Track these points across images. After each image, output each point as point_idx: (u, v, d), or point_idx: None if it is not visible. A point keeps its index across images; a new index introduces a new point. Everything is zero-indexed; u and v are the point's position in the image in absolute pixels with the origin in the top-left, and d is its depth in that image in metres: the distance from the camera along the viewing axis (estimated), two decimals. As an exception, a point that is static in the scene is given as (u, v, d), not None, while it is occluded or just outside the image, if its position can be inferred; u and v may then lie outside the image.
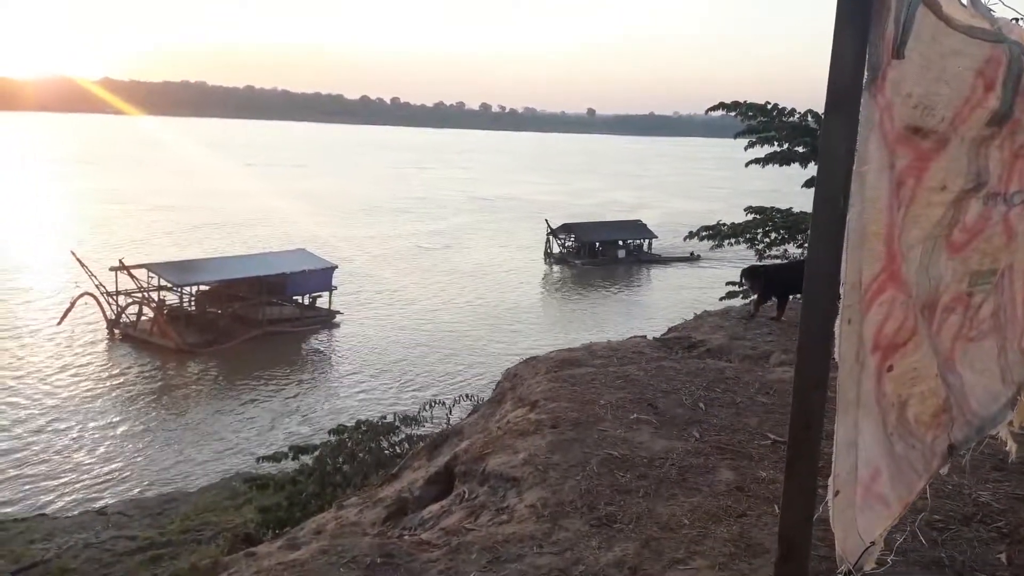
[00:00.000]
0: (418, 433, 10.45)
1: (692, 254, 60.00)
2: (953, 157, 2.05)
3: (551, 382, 5.21)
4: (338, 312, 39.05)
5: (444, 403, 10.64)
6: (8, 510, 18.51)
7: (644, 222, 62.07)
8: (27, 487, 20.88)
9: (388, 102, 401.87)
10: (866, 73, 1.72)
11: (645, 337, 6.70)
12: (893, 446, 2.14)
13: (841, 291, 1.83)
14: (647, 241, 60.04)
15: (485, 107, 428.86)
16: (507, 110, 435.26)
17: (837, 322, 1.85)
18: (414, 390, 28.74)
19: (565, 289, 49.80)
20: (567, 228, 58.33)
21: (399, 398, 27.41)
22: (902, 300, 2.03)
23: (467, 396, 10.89)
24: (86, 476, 21.80)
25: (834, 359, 1.86)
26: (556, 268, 55.49)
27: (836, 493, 1.98)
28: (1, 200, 72.51)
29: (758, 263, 7.47)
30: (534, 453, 3.98)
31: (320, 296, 39.13)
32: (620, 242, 59.06)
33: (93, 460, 22.86)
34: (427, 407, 10.60)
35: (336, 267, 39.91)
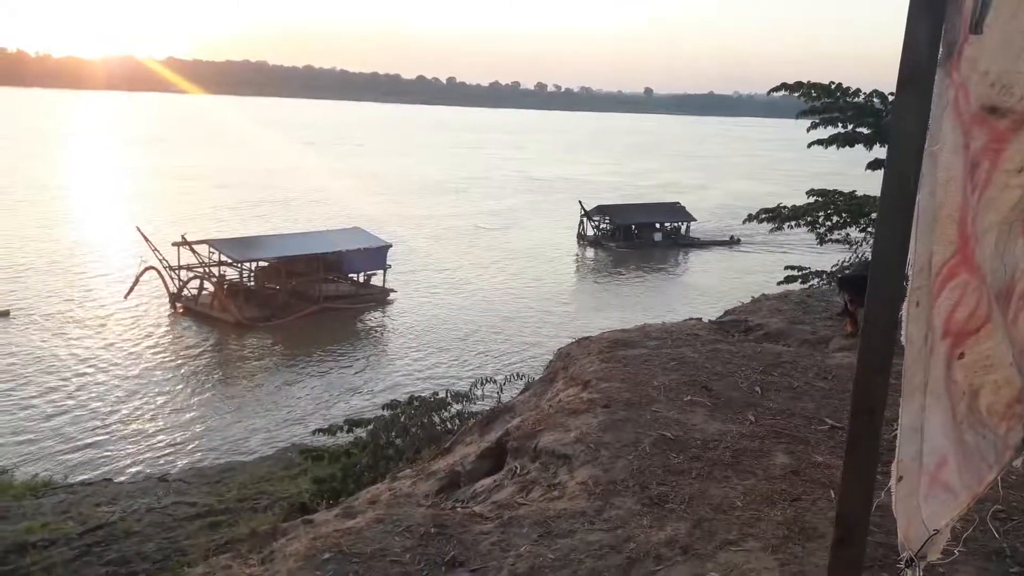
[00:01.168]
0: (469, 410, 10.55)
1: (732, 238, 58.09)
2: (1032, 139, 1.98)
3: (603, 362, 5.21)
4: (392, 290, 39.54)
5: (495, 381, 10.72)
6: (77, 473, 19.33)
7: (683, 204, 60.21)
8: (93, 453, 21.75)
9: (444, 82, 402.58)
10: (941, 49, 1.68)
11: (700, 319, 6.64)
12: (963, 435, 2.09)
13: (909, 273, 1.79)
14: (685, 224, 58.32)
15: (540, 87, 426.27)
16: (563, 89, 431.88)
17: (904, 305, 1.81)
18: (466, 368, 29.00)
19: (599, 273, 49.01)
20: (602, 210, 56.73)
21: (451, 375, 27.67)
22: (975, 285, 1.98)
23: (518, 375, 10.94)
24: (148, 444, 22.59)
25: (900, 343, 1.82)
26: (590, 251, 54.32)
27: (899, 479, 1.95)
28: (74, 177, 75.14)
29: (852, 272, 6.51)
30: (586, 432, 3.99)
31: (375, 274, 39.65)
32: (656, 225, 57.47)
33: (155, 429, 23.67)
34: (478, 384, 10.69)
35: (391, 245, 40.34)
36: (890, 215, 1.69)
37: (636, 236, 55.78)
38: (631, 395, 4.34)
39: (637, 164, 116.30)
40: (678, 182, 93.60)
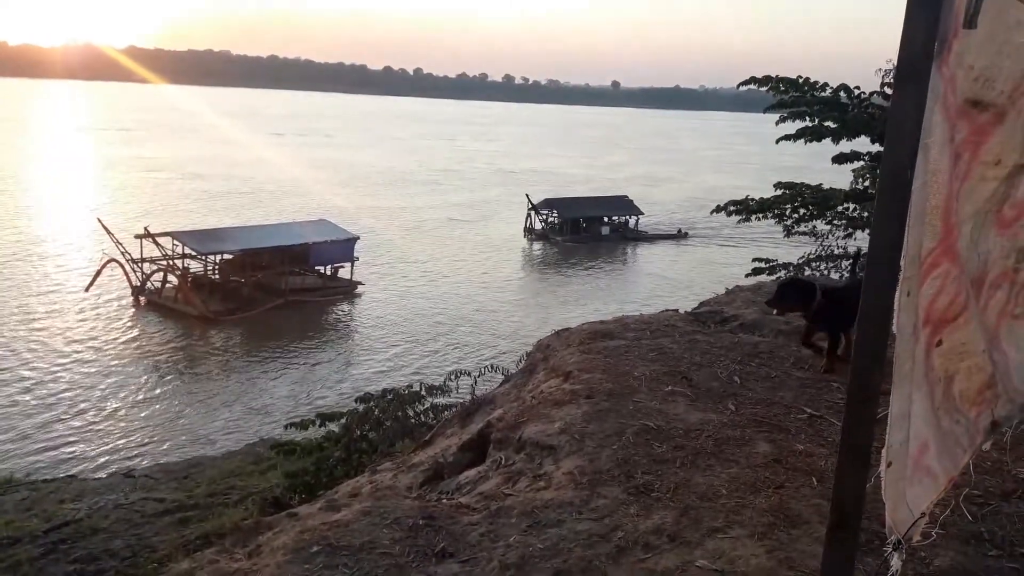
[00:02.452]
0: (443, 402, 10.54)
1: (680, 231, 58.89)
2: (1009, 132, 2.03)
3: (584, 354, 5.24)
4: (359, 283, 39.34)
5: (469, 373, 10.70)
6: (39, 471, 18.95)
7: (631, 198, 60.20)
8: (56, 449, 21.34)
9: (411, 73, 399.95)
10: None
11: (677, 311, 6.70)
12: (940, 420, 2.15)
13: (902, 263, 1.84)
14: (634, 218, 58.42)
15: (508, 79, 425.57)
16: (530, 82, 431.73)
17: (896, 295, 1.86)
18: (438, 361, 28.96)
19: (544, 266, 48.84)
20: (549, 203, 56.56)
21: (423, 368, 27.62)
22: (955, 275, 2.04)
23: (492, 367, 10.93)
24: (112, 440, 22.23)
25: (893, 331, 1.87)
26: (537, 245, 54.09)
27: (888, 464, 2.00)
28: (33, 167, 73.41)
29: (801, 277, 5.18)
30: (570, 422, 4.02)
31: (342, 267, 39.38)
32: (604, 218, 57.43)
33: (119, 424, 23.29)
34: (452, 377, 10.66)
35: (358, 238, 40.07)
36: (887, 207, 1.73)
37: (584, 230, 55.63)
38: (613, 386, 4.38)
39: (607, 157, 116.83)
40: (648, 175, 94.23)
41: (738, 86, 15.74)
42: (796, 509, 3.12)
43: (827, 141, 14.88)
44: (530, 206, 55.12)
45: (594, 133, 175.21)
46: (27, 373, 26.44)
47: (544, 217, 55.85)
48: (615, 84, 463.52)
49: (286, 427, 12.63)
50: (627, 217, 58.43)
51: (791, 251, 17.80)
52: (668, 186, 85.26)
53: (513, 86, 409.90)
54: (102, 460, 20.74)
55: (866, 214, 14.63)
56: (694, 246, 55.11)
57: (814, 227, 15.71)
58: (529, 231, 55.60)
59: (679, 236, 57.90)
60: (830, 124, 14.74)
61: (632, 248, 54.81)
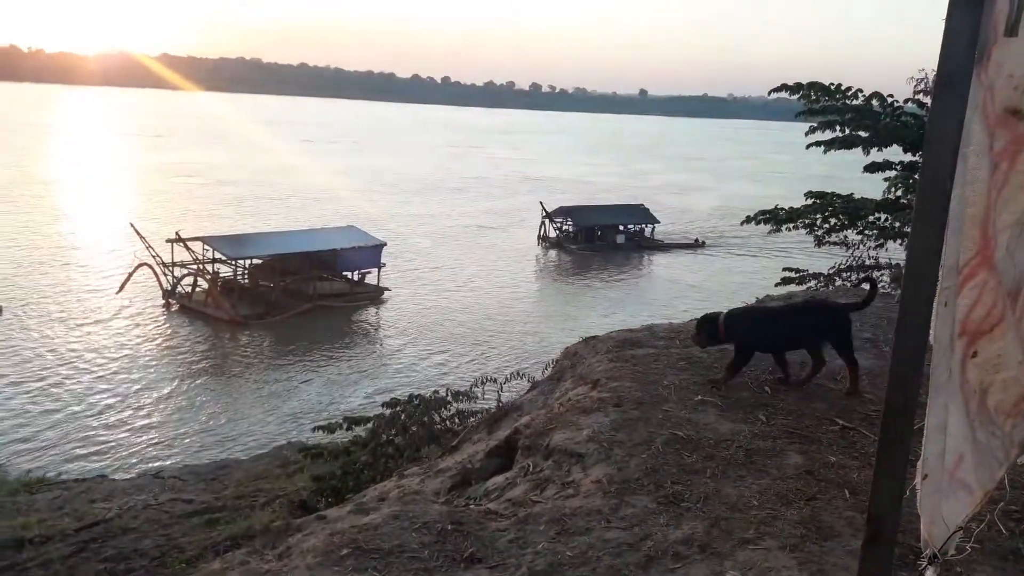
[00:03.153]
0: (470, 408, 10.56)
1: (697, 240, 57.72)
2: (1049, 142, 2.01)
3: (612, 362, 5.23)
4: (386, 288, 39.54)
5: (495, 380, 10.70)
6: (70, 470, 19.26)
7: (653, 205, 59.61)
8: (87, 450, 21.67)
9: (439, 81, 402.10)
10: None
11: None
12: (975, 433, 2.12)
13: (940, 273, 1.82)
14: (650, 227, 57.58)
15: (535, 87, 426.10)
16: (557, 90, 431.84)
17: (934, 305, 1.84)
18: (464, 367, 29.00)
19: (561, 274, 48.29)
20: (564, 211, 55.86)
21: (449, 374, 27.67)
22: (992, 285, 2.01)
23: (518, 373, 10.94)
24: (142, 441, 22.52)
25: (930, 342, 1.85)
26: (552, 254, 53.46)
27: (924, 477, 1.97)
28: (70, 173, 74.89)
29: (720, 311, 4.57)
30: (598, 430, 4.01)
31: (369, 272, 39.63)
32: (620, 227, 56.61)
33: (149, 426, 23.59)
34: (479, 383, 10.67)
35: (385, 244, 40.32)
36: (926, 216, 1.72)
37: (599, 238, 54.90)
38: (642, 394, 4.36)
39: (635, 165, 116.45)
40: (677, 183, 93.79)
41: (769, 93, 15.62)
42: (828, 521, 3.08)
43: (859, 150, 14.72)
44: (544, 214, 54.67)
45: (622, 141, 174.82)
46: (60, 375, 26.91)
47: (559, 225, 55.41)
48: (643, 92, 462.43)
49: (313, 430, 12.72)
50: (643, 225, 57.73)
51: (818, 261, 17.64)
52: (698, 195, 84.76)
53: (540, 94, 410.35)
54: (132, 461, 21.02)
55: (898, 224, 14.43)
56: (711, 255, 54.55)
57: (845, 237, 15.52)
58: (543, 239, 55.11)
59: (696, 245, 57.02)
60: (862, 133, 14.57)
61: (648, 257, 54.10)
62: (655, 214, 64.20)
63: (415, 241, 52.18)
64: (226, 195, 66.59)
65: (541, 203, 55.47)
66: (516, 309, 38.95)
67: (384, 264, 39.75)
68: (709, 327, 4.82)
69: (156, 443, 22.42)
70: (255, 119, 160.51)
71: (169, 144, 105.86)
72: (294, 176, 78.82)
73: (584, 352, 5.64)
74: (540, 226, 55.13)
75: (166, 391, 26.30)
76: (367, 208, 60.50)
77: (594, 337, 5.99)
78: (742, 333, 4.68)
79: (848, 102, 14.54)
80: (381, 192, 72.43)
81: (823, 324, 4.73)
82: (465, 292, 41.46)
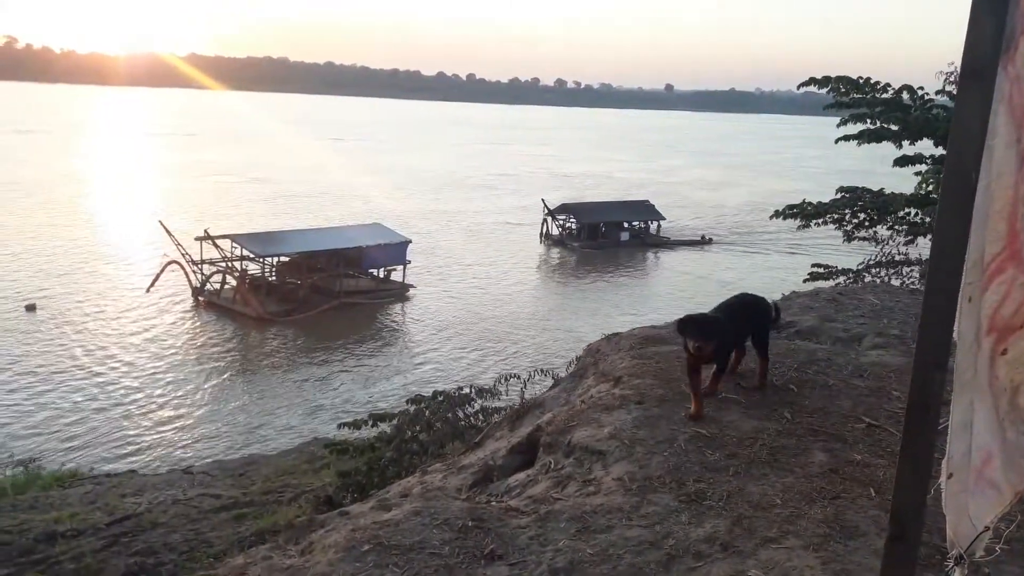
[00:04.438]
0: (494, 405, 10.58)
1: (703, 237, 57.00)
2: (1075, 134, 1.96)
3: (634, 359, 5.21)
4: (411, 285, 39.74)
5: (519, 376, 10.71)
6: (102, 465, 19.59)
7: (652, 202, 58.73)
8: (118, 445, 22.04)
9: (464, 78, 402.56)
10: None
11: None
12: (1005, 432, 2.09)
13: (964, 268, 1.79)
14: (655, 223, 57.02)
15: (560, 83, 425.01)
16: (582, 86, 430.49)
17: (958, 301, 1.81)
18: (488, 364, 29.08)
19: (561, 274, 48.15)
20: (566, 209, 55.39)
21: (473, 371, 27.77)
22: (1021, 281, 1.97)
23: (542, 370, 10.94)
24: (172, 437, 22.86)
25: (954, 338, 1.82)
26: (555, 251, 53.13)
27: (949, 476, 1.95)
28: (103, 172, 76.16)
29: (699, 313, 3.98)
30: (620, 428, 4.00)
31: (394, 269, 39.85)
32: (624, 224, 56.04)
33: (178, 422, 23.93)
34: (502, 380, 10.69)
35: (410, 241, 40.53)
36: (951, 209, 1.69)
37: (602, 235, 54.29)
38: (664, 391, 4.34)
39: (663, 161, 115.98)
40: (706, 179, 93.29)
41: (798, 87, 15.45)
42: (853, 520, 3.05)
43: (891, 145, 14.51)
44: (546, 211, 54.07)
45: (649, 136, 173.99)
46: (91, 371, 27.38)
47: (561, 223, 54.91)
48: (669, 87, 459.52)
49: (339, 427, 12.82)
50: (647, 222, 57.05)
51: (842, 258, 17.42)
52: (728, 190, 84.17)
53: (565, 90, 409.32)
54: (162, 456, 21.34)
55: (928, 219, 14.21)
56: (715, 253, 53.88)
57: (875, 233, 15.30)
58: (546, 237, 54.60)
59: (703, 242, 56.27)
60: (892, 126, 14.36)
61: (654, 255, 53.56)
62: (684, 210, 63.86)
63: (442, 238, 52.39)
64: (254, 193, 67.32)
65: (543, 200, 55.06)
66: (543, 305, 38.95)
67: (409, 261, 39.97)
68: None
69: (185, 439, 22.75)
70: (283, 118, 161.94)
71: (198, 143, 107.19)
72: (323, 174, 79.46)
73: (606, 349, 5.63)
74: (542, 224, 54.55)
75: (195, 387, 26.66)
76: (395, 205, 60.85)
77: (616, 334, 5.97)
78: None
79: (877, 95, 14.34)
80: (409, 189, 72.80)
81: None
82: (491, 289, 41.56)
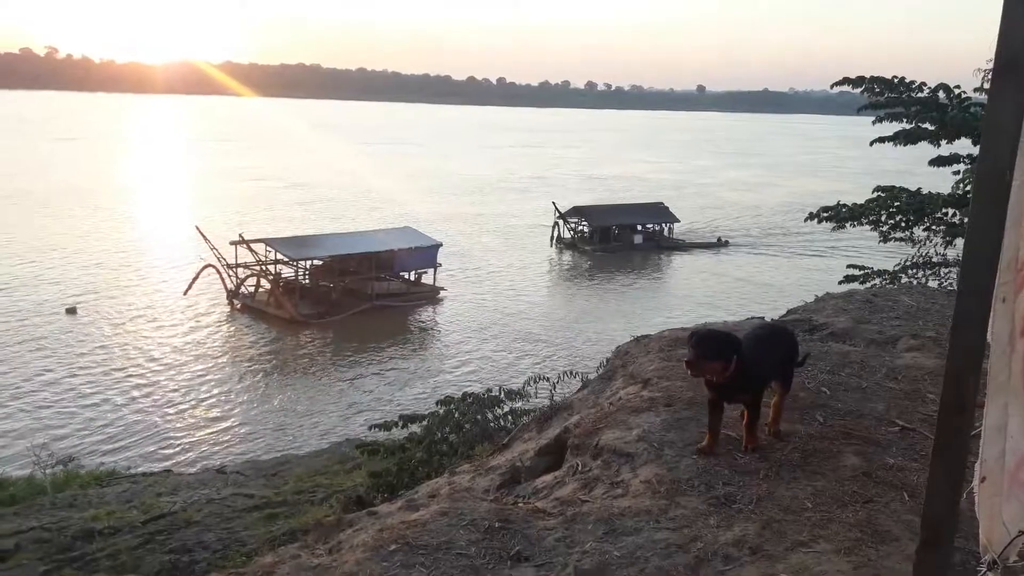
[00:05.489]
0: (522, 407, 10.60)
1: (719, 240, 56.21)
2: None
3: (663, 361, 5.17)
4: (442, 288, 39.90)
5: (548, 379, 10.70)
6: (139, 464, 19.94)
7: (666, 205, 57.92)
8: (154, 445, 22.41)
9: (494, 82, 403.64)
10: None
11: (763, 318, 6.53)
12: (1039, 434, 2.04)
13: (998, 269, 1.75)
14: (667, 226, 56.24)
15: (591, 85, 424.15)
16: (613, 88, 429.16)
17: (992, 301, 1.77)
18: (517, 366, 29.08)
19: (574, 279, 47.59)
20: (578, 211, 54.65)
21: (503, 373, 27.78)
22: (1056, 281, 1.92)
23: (571, 373, 10.92)
24: (206, 437, 23.18)
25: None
26: (567, 255, 52.58)
27: (983, 479, 1.90)
28: (144, 178, 77.79)
29: (717, 329, 3.88)
30: (648, 430, 3.97)
31: (425, 272, 40.05)
32: (637, 226, 55.32)
33: (212, 422, 24.27)
34: (531, 382, 10.68)
35: (441, 244, 40.71)
36: (984, 209, 1.65)
37: (615, 238, 53.76)
38: (694, 394, 4.30)
39: (696, 162, 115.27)
40: (741, 180, 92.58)
41: (831, 87, 15.26)
42: (885, 525, 2.99)
43: (930, 144, 14.26)
44: (557, 214, 53.50)
45: (681, 138, 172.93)
46: (129, 373, 27.89)
47: (573, 226, 54.38)
48: (700, 88, 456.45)
49: (370, 428, 12.91)
50: (661, 225, 56.30)
51: (872, 260, 17.15)
52: (763, 191, 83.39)
53: (595, 93, 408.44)
54: (196, 456, 21.65)
55: (966, 219, 13.92)
56: (731, 256, 53.08)
57: (911, 233, 15.03)
58: (558, 240, 54.03)
59: (719, 245, 55.48)
60: (928, 126, 14.11)
61: (668, 258, 52.87)
62: (718, 211, 63.21)
63: (473, 241, 52.53)
64: (290, 198, 68.13)
65: (554, 203, 54.46)
66: (575, 308, 38.89)
67: (440, 264, 40.15)
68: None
69: (219, 439, 23.06)
70: (317, 123, 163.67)
71: (234, 149, 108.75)
72: (355, 178, 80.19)
73: (635, 351, 5.59)
74: (553, 227, 54.00)
75: (229, 389, 27.02)
76: (426, 209, 61.18)
77: (645, 336, 5.93)
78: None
79: (912, 95, 14.10)
80: (440, 193, 73.20)
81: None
82: (523, 291, 41.59)
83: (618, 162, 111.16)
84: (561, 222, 53.83)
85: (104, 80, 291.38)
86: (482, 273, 44.99)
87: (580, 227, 54.66)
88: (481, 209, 65.60)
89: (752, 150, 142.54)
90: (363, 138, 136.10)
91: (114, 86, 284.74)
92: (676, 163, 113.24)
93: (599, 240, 53.34)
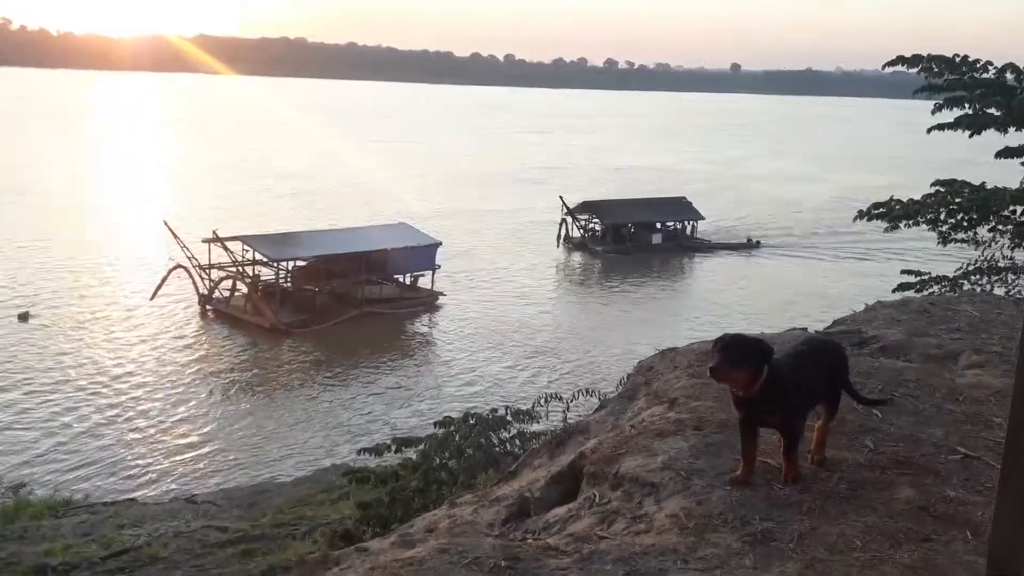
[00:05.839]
0: (532, 430, 10.62)
1: (750, 240, 55.94)
2: None
3: (692, 378, 5.16)
4: (441, 293, 39.95)
5: (561, 398, 10.72)
6: (98, 492, 20.01)
7: (689, 200, 57.63)
8: (116, 470, 22.52)
9: (501, 60, 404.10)
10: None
11: (805, 330, 6.52)
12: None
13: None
14: (690, 223, 56.15)
15: (611, 63, 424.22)
16: (636, 67, 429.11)
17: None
18: (527, 383, 29.15)
19: (585, 284, 47.60)
20: (588, 207, 54.55)
21: (510, 390, 27.83)
22: None
23: (587, 391, 10.94)
24: (175, 461, 23.27)
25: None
26: (577, 257, 52.67)
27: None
28: (103, 165, 78.23)
29: (748, 335, 3.76)
30: (675, 457, 3.96)
31: (422, 275, 40.11)
32: (656, 224, 55.34)
33: (182, 445, 24.35)
34: (542, 401, 10.72)
35: (440, 244, 40.78)
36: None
37: (630, 238, 53.69)
38: (726, 416, 4.29)
39: (727, 151, 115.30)
40: (779, 171, 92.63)
41: (884, 67, 15.24)
42: (944, 566, 2.98)
43: (997, 132, 14.21)
44: (565, 210, 53.32)
45: (713, 123, 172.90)
46: (88, 387, 28.00)
47: (583, 224, 54.29)
48: (735, 67, 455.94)
49: (359, 452, 12.94)
50: (683, 222, 56.17)
51: (936, 263, 17.09)
52: (805, 185, 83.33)
53: (616, 72, 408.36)
54: (164, 483, 21.73)
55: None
56: (764, 258, 52.86)
57: (975, 234, 14.96)
58: (566, 240, 53.92)
59: (749, 246, 55.37)
60: (994, 111, 14.07)
61: (690, 260, 52.78)
62: (753, 207, 62.91)
63: (479, 240, 52.65)
64: (270, 190, 68.45)
65: (561, 197, 54.20)
66: (590, 317, 38.89)
67: (439, 266, 40.21)
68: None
69: (190, 464, 23.14)
70: (302, 105, 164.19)
71: (209, 134, 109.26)
72: (344, 168, 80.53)
73: (660, 366, 5.59)
74: (560, 224, 53.66)
75: (200, 407, 27.11)
76: (425, 203, 61.44)
77: (672, 349, 5.93)
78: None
79: (976, 76, 14.06)
80: (443, 185, 73.50)
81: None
82: (529, 297, 41.66)
83: (641, 151, 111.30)
84: (569, 219, 53.69)
85: (63, 55, 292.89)
86: (487, 277, 45.10)
87: (591, 225, 54.61)
88: (486, 204, 65.77)
89: (793, 138, 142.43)
90: (354, 122, 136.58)
91: (75, 62, 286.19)
92: (706, 152, 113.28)
93: (612, 240, 53.26)
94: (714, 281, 47.33)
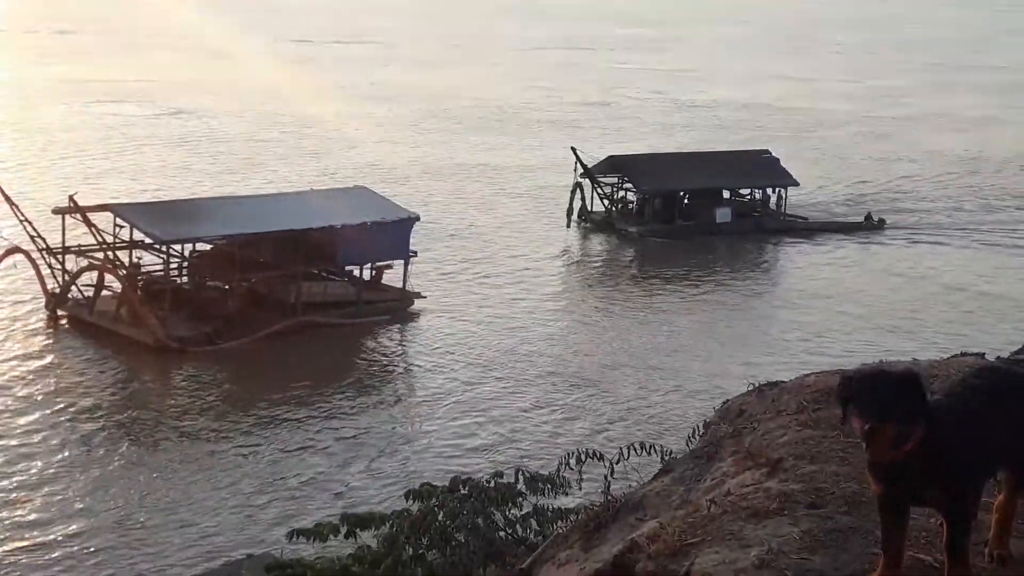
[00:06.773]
0: (556, 505, 10.66)
1: (870, 218, 54.99)
2: None
3: (804, 427, 5.19)
4: (418, 295, 39.88)
5: (602, 456, 10.76)
6: None
7: (775, 155, 56.54)
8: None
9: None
10: None
11: (982, 356, 6.51)
12: None
13: None
14: (776, 192, 55.36)
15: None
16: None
17: None
18: (545, 431, 29.09)
19: (619, 285, 46.81)
20: (616, 164, 53.44)
21: (519, 443, 27.84)
22: None
23: (641, 445, 11.00)
24: (6, 552, 23.28)
25: None
26: (596, 241, 52.49)
27: None
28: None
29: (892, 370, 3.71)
30: (779, 549, 3.98)
31: (390, 267, 40.07)
32: (725, 194, 54.75)
33: (19, 526, 24.36)
34: (572, 461, 10.74)
35: (418, 218, 40.75)
36: None
37: (683, 213, 52.92)
38: (858, 485, 4.30)
39: (873, 80, 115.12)
40: (944, 112, 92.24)
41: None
42: None
43: None
44: (581, 170, 52.15)
45: (852, 38, 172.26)
46: None
47: (611, 191, 53.59)
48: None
49: (291, 536, 13.00)
50: (765, 191, 55.64)
51: None
52: (987, 131, 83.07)
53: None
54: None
55: None
56: (891, 244, 52.51)
57: None
58: (580, 215, 53.16)
59: (868, 227, 54.89)
60: None
61: (775, 248, 52.40)
62: (912, 164, 61.93)
63: (479, 211, 52.77)
64: (166, 132, 68.73)
65: (574, 149, 52.91)
66: (637, 333, 38.92)
67: (415, 253, 40.13)
68: None
69: (30, 557, 23.15)
70: (220, 5, 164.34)
71: (77, 46, 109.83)
72: (280, 100, 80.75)
73: (756, 410, 5.60)
74: (573, 192, 52.51)
75: (49, 466, 27.13)
76: (402, 155, 61.51)
77: (773, 385, 5.94)
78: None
79: None
80: (427, 128, 73.81)
81: None
82: (543, 301, 41.70)
83: (734, 78, 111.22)
84: (586, 183, 52.78)
85: None
86: (489, 270, 45.06)
87: (620, 193, 54.35)
88: (491, 156, 65.83)
89: (970, 60, 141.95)
90: (296, 31, 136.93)
91: None
92: (839, 80, 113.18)
93: (654, 217, 52.93)
94: (820, 279, 47.02)
